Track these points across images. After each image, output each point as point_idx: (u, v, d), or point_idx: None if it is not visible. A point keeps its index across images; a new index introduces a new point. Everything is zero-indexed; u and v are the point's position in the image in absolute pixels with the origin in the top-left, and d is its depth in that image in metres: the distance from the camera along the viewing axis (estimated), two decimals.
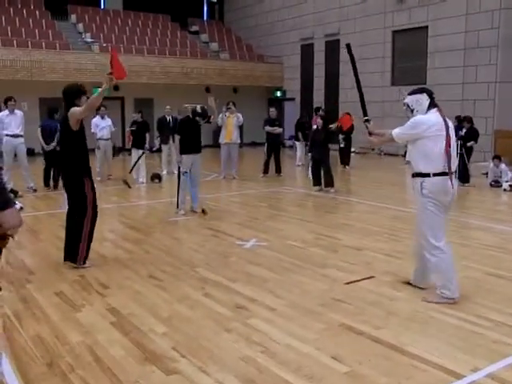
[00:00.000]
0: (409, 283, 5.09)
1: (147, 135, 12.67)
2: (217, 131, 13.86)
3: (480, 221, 8.28)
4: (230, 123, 13.14)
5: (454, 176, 4.61)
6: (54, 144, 11.18)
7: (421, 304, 4.60)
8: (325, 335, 3.97)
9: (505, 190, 11.28)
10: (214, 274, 5.52)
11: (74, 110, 5.54)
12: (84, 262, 5.74)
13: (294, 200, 10.69)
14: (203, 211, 8.68)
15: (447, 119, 4.58)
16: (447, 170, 4.49)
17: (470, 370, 3.43)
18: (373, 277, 5.36)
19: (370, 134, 5.17)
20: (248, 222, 8.18)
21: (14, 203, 2.45)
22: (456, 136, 11.53)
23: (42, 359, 3.59)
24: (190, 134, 8.59)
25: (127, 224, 8.08)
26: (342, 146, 15.63)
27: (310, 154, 11.81)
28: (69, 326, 4.13)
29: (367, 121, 5.19)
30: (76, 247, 5.69)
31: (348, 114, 13.57)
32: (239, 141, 13.75)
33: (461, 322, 4.22)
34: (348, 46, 5.61)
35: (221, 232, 7.49)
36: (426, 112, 4.58)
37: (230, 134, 13.19)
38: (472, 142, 11.93)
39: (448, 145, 4.47)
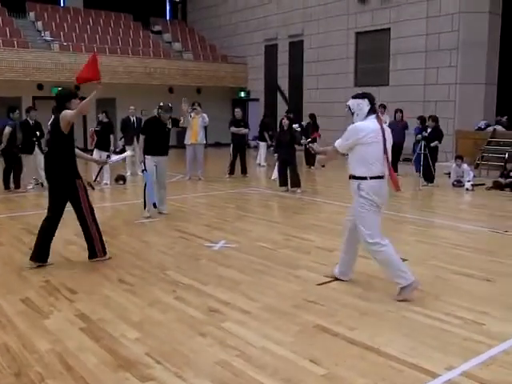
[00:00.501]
0: (336, 278, 5.28)
1: (111, 137, 12.42)
2: (181, 132, 13.73)
3: (446, 220, 8.42)
4: (196, 124, 13.01)
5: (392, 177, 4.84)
6: (3, 145, 10.91)
7: (392, 303, 4.64)
8: (300, 337, 3.95)
9: (467, 189, 11.52)
10: (184, 276, 5.44)
11: (66, 112, 5.61)
12: (105, 253, 5.98)
13: (261, 201, 10.67)
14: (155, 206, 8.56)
15: (384, 126, 4.85)
16: (382, 174, 4.75)
17: (445, 368, 3.47)
18: None
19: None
20: (216, 224, 8.11)
21: None
22: (420, 135, 11.89)
23: (8, 369, 3.45)
24: (156, 135, 8.40)
25: None
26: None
27: (276, 155, 11.81)
28: (36, 334, 3.99)
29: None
30: (92, 245, 5.91)
31: (316, 131, 13.66)
32: (205, 141, 13.66)
33: (432, 321, 4.26)
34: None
35: (189, 234, 7.40)
36: (366, 117, 4.80)
37: (195, 135, 13.07)
38: (436, 142, 12.10)
39: (384, 150, 4.72)
